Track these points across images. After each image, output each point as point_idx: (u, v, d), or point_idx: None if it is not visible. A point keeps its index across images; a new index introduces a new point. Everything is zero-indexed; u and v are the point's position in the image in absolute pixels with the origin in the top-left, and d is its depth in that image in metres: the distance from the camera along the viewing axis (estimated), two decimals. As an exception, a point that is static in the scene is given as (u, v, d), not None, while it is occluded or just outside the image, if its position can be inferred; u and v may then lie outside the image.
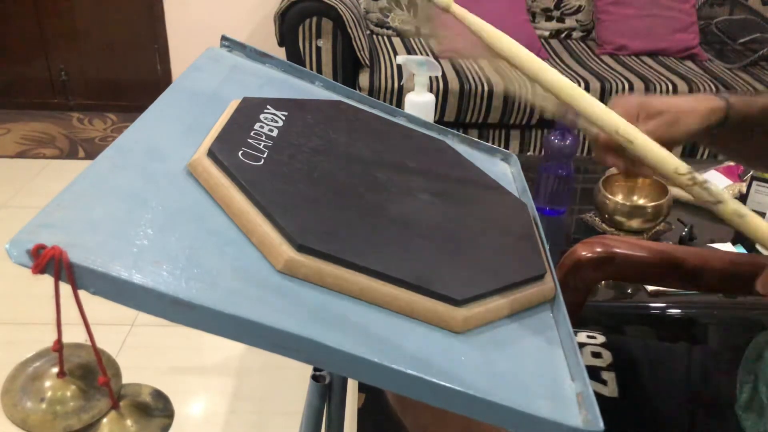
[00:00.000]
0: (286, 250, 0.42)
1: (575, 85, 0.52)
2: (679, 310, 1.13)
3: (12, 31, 2.76)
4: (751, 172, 1.37)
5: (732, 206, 0.41)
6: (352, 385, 1.09)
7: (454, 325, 0.44)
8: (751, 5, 2.67)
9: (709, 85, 2.26)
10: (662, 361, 0.75)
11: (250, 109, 0.57)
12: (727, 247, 1.26)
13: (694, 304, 1.14)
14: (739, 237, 1.31)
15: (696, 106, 0.61)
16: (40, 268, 0.35)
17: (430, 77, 1.37)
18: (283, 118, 0.58)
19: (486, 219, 0.58)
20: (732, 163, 1.55)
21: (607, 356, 0.74)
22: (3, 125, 2.73)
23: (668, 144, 0.60)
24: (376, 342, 0.40)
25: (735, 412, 0.66)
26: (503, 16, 2.43)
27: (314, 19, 2.10)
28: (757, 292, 0.44)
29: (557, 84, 0.53)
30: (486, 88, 2.15)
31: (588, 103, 0.52)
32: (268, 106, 0.58)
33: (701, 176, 0.42)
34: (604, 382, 0.71)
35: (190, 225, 0.43)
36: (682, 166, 0.41)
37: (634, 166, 0.60)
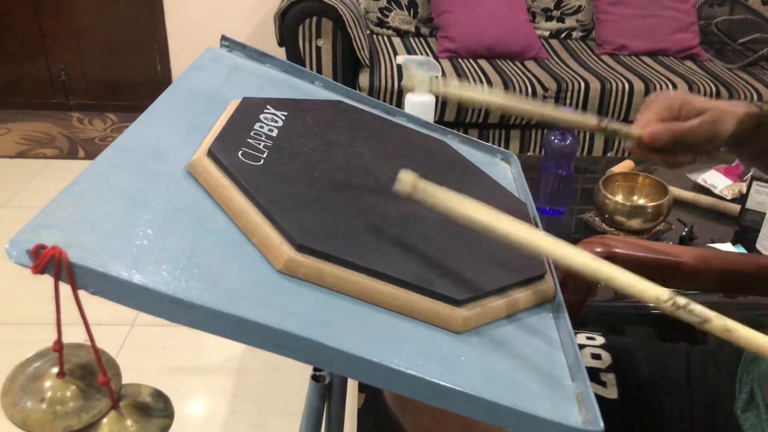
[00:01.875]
0: (286, 250, 0.42)
1: (544, 237, 0.49)
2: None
3: (12, 31, 2.76)
4: (751, 172, 1.37)
5: (719, 323, 0.41)
6: (352, 385, 1.09)
7: (454, 325, 0.44)
8: (751, 5, 2.67)
9: (709, 86, 2.26)
10: (662, 362, 0.75)
11: (250, 109, 0.57)
12: (727, 247, 1.26)
13: (694, 304, 1.13)
14: (740, 237, 1.31)
15: (733, 108, 0.62)
16: (40, 268, 0.35)
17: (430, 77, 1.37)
18: (283, 118, 0.58)
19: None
20: (732, 163, 1.55)
21: (607, 358, 0.74)
22: (3, 125, 2.73)
23: (710, 143, 0.61)
24: (376, 342, 0.40)
25: (735, 412, 0.66)
26: (503, 16, 2.43)
27: (314, 19, 2.10)
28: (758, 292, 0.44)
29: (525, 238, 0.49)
30: (486, 88, 2.15)
31: (561, 253, 0.48)
32: (268, 106, 0.58)
33: (683, 299, 0.42)
34: (603, 384, 0.71)
35: (190, 225, 0.43)
36: (663, 294, 0.42)
37: (675, 158, 0.62)
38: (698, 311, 0.41)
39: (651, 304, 0.43)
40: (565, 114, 0.63)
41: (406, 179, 0.46)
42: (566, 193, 1.35)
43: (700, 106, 0.61)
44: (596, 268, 0.44)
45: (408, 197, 0.46)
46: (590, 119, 0.62)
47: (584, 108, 2.23)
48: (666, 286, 0.43)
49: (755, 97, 2.27)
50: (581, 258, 0.44)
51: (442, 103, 2.15)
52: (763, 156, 0.69)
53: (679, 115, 0.62)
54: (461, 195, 0.47)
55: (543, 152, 1.36)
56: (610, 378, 0.72)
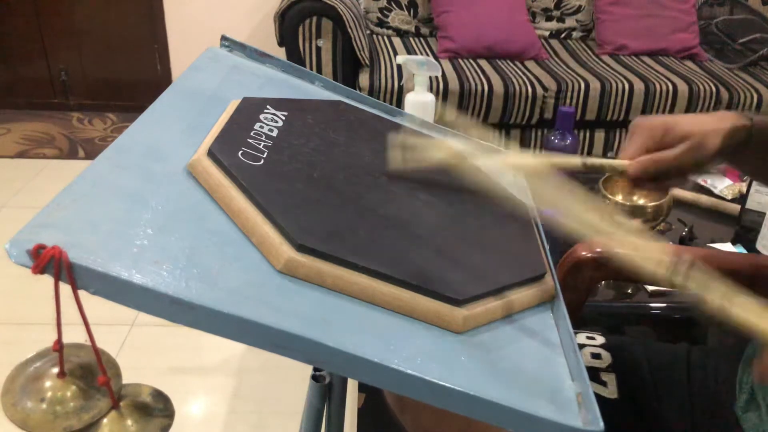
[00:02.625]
0: (286, 250, 0.42)
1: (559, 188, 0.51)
2: (679, 310, 1.13)
3: (12, 31, 2.76)
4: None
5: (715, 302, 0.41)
6: (352, 385, 1.09)
7: (455, 325, 0.44)
8: (751, 5, 2.67)
9: (709, 86, 2.26)
10: (662, 362, 0.75)
11: (250, 109, 0.57)
12: (727, 247, 1.26)
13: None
14: (740, 237, 1.31)
15: (720, 125, 0.61)
16: (40, 268, 0.35)
17: (430, 77, 1.37)
18: (283, 118, 0.58)
19: (486, 219, 0.58)
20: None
21: (607, 357, 0.74)
22: (3, 125, 2.73)
23: (696, 167, 0.61)
24: (376, 342, 0.40)
25: (735, 412, 0.66)
26: (503, 16, 2.43)
27: (314, 19, 2.10)
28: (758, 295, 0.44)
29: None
30: (486, 88, 2.15)
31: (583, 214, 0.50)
32: (268, 106, 0.58)
33: (682, 270, 0.42)
34: (603, 384, 0.71)
35: (190, 225, 0.43)
36: (660, 267, 0.42)
37: (664, 183, 0.62)
38: (695, 285, 0.41)
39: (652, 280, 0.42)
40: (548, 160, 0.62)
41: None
42: (566, 193, 1.35)
43: (682, 133, 0.60)
44: (596, 224, 0.44)
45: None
46: (573, 159, 0.62)
47: (584, 108, 2.23)
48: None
49: (755, 97, 2.27)
50: (597, 221, 0.45)
51: (441, 104, 2.15)
52: (761, 167, 0.68)
53: (662, 142, 0.61)
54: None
55: (543, 152, 1.36)
56: (610, 378, 0.72)
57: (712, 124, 0.61)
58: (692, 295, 0.41)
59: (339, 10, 2.09)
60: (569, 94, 2.21)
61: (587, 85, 2.21)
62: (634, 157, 0.61)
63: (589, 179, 1.52)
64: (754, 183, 1.30)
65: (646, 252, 0.43)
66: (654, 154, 0.60)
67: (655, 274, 0.42)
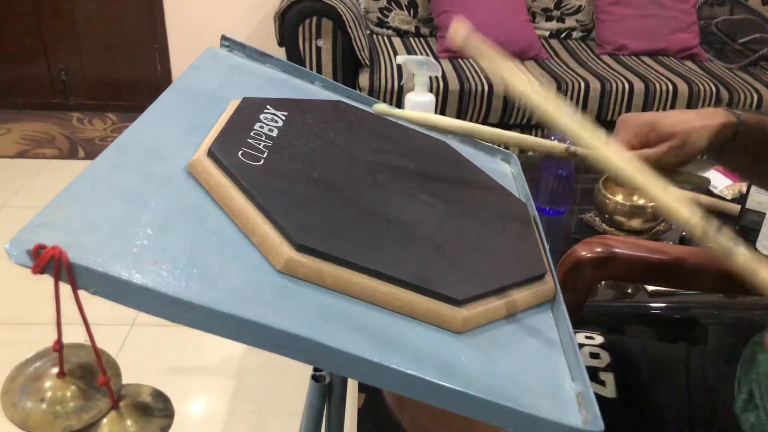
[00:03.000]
0: (286, 250, 0.42)
1: (586, 123, 0.52)
2: (679, 310, 1.13)
3: (12, 31, 2.76)
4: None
5: (743, 259, 0.41)
6: (352, 385, 1.09)
7: (455, 325, 0.44)
8: (751, 5, 2.67)
9: (709, 86, 2.26)
10: (661, 361, 0.75)
11: (250, 109, 0.57)
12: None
13: (694, 304, 1.14)
14: (739, 237, 1.31)
15: (706, 122, 0.61)
16: (40, 268, 0.35)
17: (430, 77, 1.37)
18: (283, 118, 0.58)
19: (486, 219, 0.58)
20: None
21: (606, 357, 0.74)
22: (3, 125, 2.73)
23: (680, 165, 0.61)
24: (376, 342, 0.40)
25: (733, 412, 0.66)
26: (503, 16, 2.43)
27: (314, 19, 2.10)
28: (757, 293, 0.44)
29: (566, 123, 0.53)
30: (486, 88, 2.15)
31: (599, 145, 0.51)
32: (268, 106, 0.58)
33: (714, 227, 0.42)
34: (602, 383, 0.71)
35: (190, 225, 0.43)
36: (694, 218, 0.42)
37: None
38: (727, 242, 0.40)
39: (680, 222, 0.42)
40: (534, 139, 0.62)
41: (459, 32, 0.47)
42: (566, 193, 1.35)
43: (667, 131, 0.61)
44: (632, 174, 0.44)
45: (458, 47, 0.48)
46: (558, 145, 0.62)
47: (584, 108, 2.23)
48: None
49: (755, 97, 2.27)
50: (620, 161, 0.45)
51: (442, 104, 2.15)
52: (747, 167, 0.68)
53: (647, 140, 0.61)
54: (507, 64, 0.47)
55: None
56: (608, 377, 0.72)
57: (698, 122, 0.61)
58: (721, 248, 0.41)
59: (339, 10, 2.09)
60: (569, 94, 2.21)
61: (587, 85, 2.21)
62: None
63: (590, 179, 1.52)
64: (754, 183, 1.30)
65: (677, 198, 0.43)
66: (636, 151, 0.61)
67: (689, 221, 0.41)
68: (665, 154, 0.60)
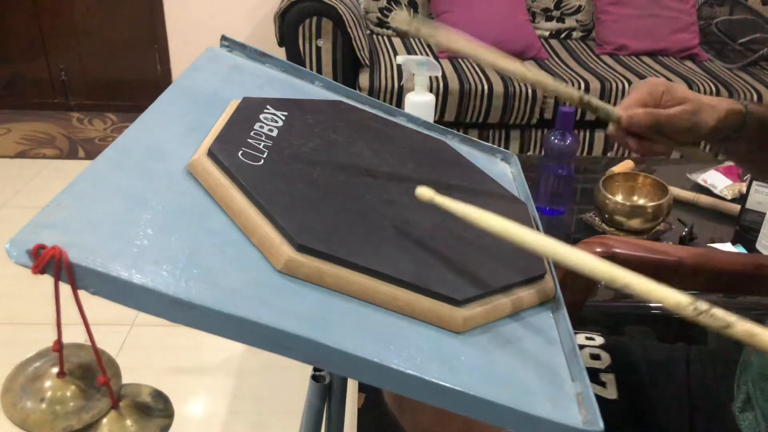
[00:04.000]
0: (286, 250, 0.42)
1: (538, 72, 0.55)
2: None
3: (12, 31, 2.76)
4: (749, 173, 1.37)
5: (742, 328, 0.41)
6: (352, 385, 1.09)
7: (454, 325, 0.44)
8: (751, 5, 2.67)
9: (709, 85, 2.26)
10: (661, 362, 0.75)
11: (250, 109, 0.57)
12: (727, 247, 1.26)
13: (694, 304, 1.13)
14: (740, 237, 1.31)
15: (717, 103, 0.62)
16: (40, 268, 0.35)
17: (430, 77, 1.37)
18: (283, 118, 0.58)
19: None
20: (732, 163, 1.55)
21: (606, 358, 0.74)
22: (3, 125, 2.73)
23: (687, 134, 0.61)
24: (376, 342, 0.40)
25: (732, 412, 0.66)
26: (503, 16, 2.43)
27: (314, 19, 2.10)
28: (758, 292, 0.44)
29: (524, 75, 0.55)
30: (486, 88, 2.15)
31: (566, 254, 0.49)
32: (268, 106, 0.58)
33: (704, 304, 0.41)
34: (602, 384, 0.71)
35: (190, 225, 0.43)
36: (683, 300, 0.42)
37: (651, 145, 0.62)
38: (720, 316, 0.40)
39: (671, 310, 0.42)
40: (549, 80, 0.62)
41: (423, 194, 0.49)
42: (566, 193, 1.35)
43: (681, 96, 0.62)
44: (614, 275, 0.44)
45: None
46: (573, 92, 0.62)
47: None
48: (666, 286, 0.43)
49: (755, 97, 2.27)
50: (600, 266, 0.44)
51: (442, 104, 2.15)
52: (748, 155, 0.69)
53: (660, 102, 0.62)
54: (475, 207, 0.48)
55: (543, 152, 1.36)
56: (609, 378, 0.72)
57: (710, 100, 0.63)
58: (718, 323, 0.41)
59: (339, 10, 2.09)
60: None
61: (587, 85, 2.21)
62: (630, 109, 0.62)
63: (590, 179, 1.52)
64: (754, 183, 1.30)
65: (662, 288, 0.43)
66: (650, 108, 0.61)
67: (679, 305, 0.41)
68: (678, 115, 0.61)
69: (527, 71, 0.60)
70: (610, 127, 0.64)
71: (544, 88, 0.62)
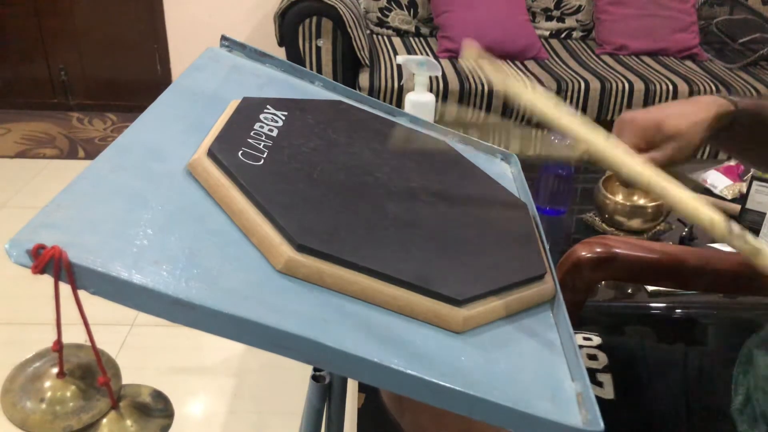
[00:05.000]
0: (286, 250, 0.42)
1: (600, 133, 0.53)
2: (679, 311, 1.13)
3: (12, 31, 2.76)
4: (751, 172, 1.37)
5: None
6: (352, 385, 1.09)
7: (455, 325, 0.44)
8: (751, 5, 2.67)
9: (709, 85, 2.26)
10: (659, 363, 0.75)
11: (250, 109, 0.57)
12: (727, 247, 1.26)
13: (694, 304, 1.13)
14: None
15: (703, 116, 0.61)
16: (39, 268, 0.35)
17: (430, 77, 1.37)
18: (283, 118, 0.58)
19: (486, 219, 0.58)
20: (732, 163, 1.55)
21: (603, 358, 0.74)
22: (3, 125, 2.73)
23: (681, 164, 0.61)
24: (376, 342, 0.40)
25: (731, 414, 0.66)
26: (503, 16, 2.43)
27: (314, 19, 2.10)
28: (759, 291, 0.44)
29: (580, 134, 0.54)
30: (486, 88, 2.15)
31: (614, 154, 0.51)
32: (268, 106, 0.58)
33: (738, 227, 0.41)
34: (600, 384, 0.71)
35: (190, 225, 0.43)
36: (717, 218, 0.41)
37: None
38: (752, 241, 0.40)
39: (704, 226, 0.42)
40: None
41: (471, 53, 0.49)
42: (566, 193, 1.35)
43: (673, 131, 0.60)
44: (653, 180, 0.44)
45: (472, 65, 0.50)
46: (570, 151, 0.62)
47: (584, 108, 2.23)
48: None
49: (755, 96, 2.27)
50: (639, 167, 0.45)
51: (442, 104, 2.15)
52: (743, 150, 0.69)
53: (654, 141, 0.61)
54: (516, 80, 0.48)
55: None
56: (606, 378, 0.72)
57: (697, 116, 0.61)
58: (748, 247, 0.40)
59: (339, 10, 2.09)
60: (569, 94, 2.21)
61: (587, 85, 2.21)
62: None
63: (590, 179, 1.52)
64: (755, 183, 1.30)
65: (697, 199, 0.43)
66: (645, 155, 0.60)
67: (712, 220, 0.41)
68: (673, 156, 0.60)
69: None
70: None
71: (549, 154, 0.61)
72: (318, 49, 2.15)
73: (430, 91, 1.35)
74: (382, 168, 0.58)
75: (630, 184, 0.52)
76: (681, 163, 0.62)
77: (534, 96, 0.54)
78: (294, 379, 1.53)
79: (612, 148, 0.51)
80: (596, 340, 0.77)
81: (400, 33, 2.58)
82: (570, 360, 0.46)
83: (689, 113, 0.61)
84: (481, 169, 0.67)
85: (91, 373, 0.42)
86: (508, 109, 2.19)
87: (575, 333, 0.78)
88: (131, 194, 0.43)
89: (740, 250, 0.41)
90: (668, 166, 0.60)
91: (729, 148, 0.69)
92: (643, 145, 0.61)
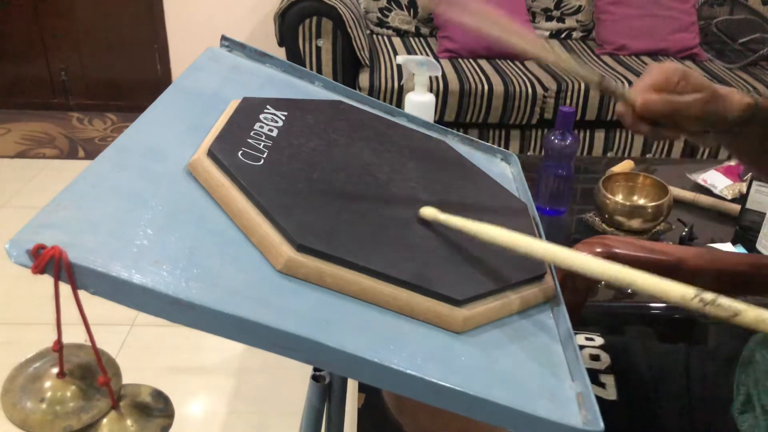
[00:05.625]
0: (286, 250, 0.42)
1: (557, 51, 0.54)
2: (679, 310, 1.13)
3: (12, 31, 2.76)
4: (751, 172, 1.37)
5: (751, 314, 0.40)
6: (352, 385, 1.09)
7: (454, 325, 0.44)
8: (751, 5, 2.67)
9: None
10: (661, 363, 0.75)
11: (250, 109, 0.57)
12: (727, 247, 1.26)
13: (694, 304, 1.13)
14: (740, 237, 1.31)
15: (729, 94, 0.61)
16: (40, 268, 0.35)
17: (430, 77, 1.37)
18: (283, 118, 0.58)
19: (486, 219, 0.58)
20: (732, 163, 1.55)
21: (606, 359, 0.74)
22: (3, 125, 2.73)
23: (701, 123, 0.60)
24: (376, 342, 0.40)
25: (732, 414, 0.66)
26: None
27: (314, 19, 2.10)
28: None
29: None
30: (486, 88, 2.15)
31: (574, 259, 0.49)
32: (268, 106, 0.58)
33: (709, 295, 0.41)
34: (602, 385, 0.71)
35: (190, 225, 0.43)
36: (688, 292, 0.41)
37: (661, 131, 0.61)
38: (726, 305, 0.40)
39: (676, 304, 0.42)
40: (567, 58, 0.61)
41: (427, 214, 0.52)
42: (566, 193, 1.35)
43: (698, 83, 0.60)
44: (617, 274, 0.44)
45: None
46: (592, 74, 0.61)
47: (584, 108, 2.23)
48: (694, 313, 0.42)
49: (755, 97, 2.27)
50: (603, 267, 0.44)
51: (442, 104, 2.15)
52: (754, 154, 0.68)
53: (676, 88, 0.60)
54: (478, 222, 0.49)
55: (543, 152, 1.36)
56: (609, 379, 0.72)
57: (724, 90, 0.61)
58: (725, 311, 0.40)
59: (339, 10, 2.09)
60: (569, 94, 2.21)
61: (587, 85, 2.21)
62: (645, 93, 0.59)
63: (590, 179, 1.52)
64: (754, 183, 1.30)
65: (666, 282, 0.43)
66: (668, 95, 0.60)
67: (684, 298, 0.41)
68: (693, 104, 0.59)
69: (548, 52, 0.58)
70: (621, 108, 0.61)
71: (564, 69, 0.61)
72: (318, 49, 2.15)
73: (430, 91, 1.35)
74: (382, 168, 0.58)
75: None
76: (697, 124, 0.60)
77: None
78: (294, 379, 1.53)
79: (573, 256, 0.49)
80: (599, 340, 0.77)
81: (400, 33, 2.58)
82: (570, 360, 0.46)
83: (716, 86, 0.61)
84: (481, 169, 0.67)
85: (91, 373, 0.42)
86: (508, 110, 2.19)
87: (577, 333, 0.78)
88: (131, 194, 0.43)
89: (719, 318, 0.41)
90: (685, 117, 0.59)
91: (738, 148, 0.68)
92: (666, 87, 0.60)
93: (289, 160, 0.52)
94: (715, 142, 0.68)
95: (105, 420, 0.42)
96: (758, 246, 1.24)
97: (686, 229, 1.30)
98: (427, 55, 2.38)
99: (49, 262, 0.34)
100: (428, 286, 0.44)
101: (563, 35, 2.70)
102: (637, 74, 2.29)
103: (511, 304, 0.49)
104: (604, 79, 0.61)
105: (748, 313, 0.39)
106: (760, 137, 0.64)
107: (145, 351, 1.59)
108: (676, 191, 1.41)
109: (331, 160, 0.55)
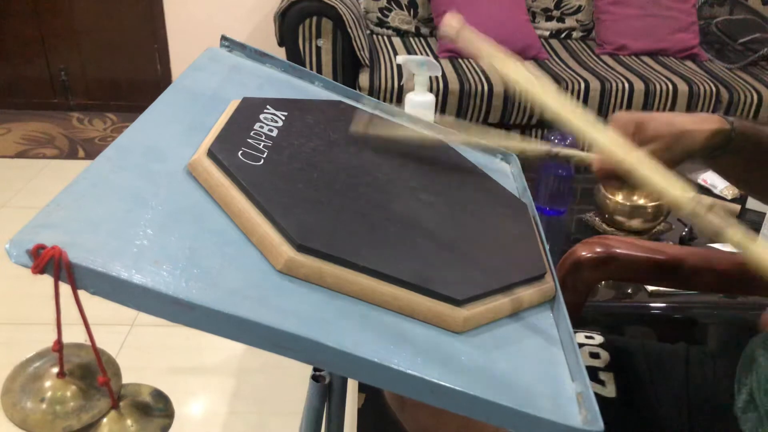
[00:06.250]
0: (286, 250, 0.42)
1: (580, 112, 0.53)
2: (679, 310, 1.13)
3: (12, 31, 2.76)
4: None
5: (740, 234, 0.40)
6: (352, 385, 1.09)
7: (455, 325, 0.44)
8: (751, 5, 2.67)
9: (709, 85, 2.26)
10: (661, 361, 0.75)
11: (250, 109, 0.57)
12: (727, 247, 1.26)
13: (694, 304, 1.13)
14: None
15: (699, 126, 0.60)
16: (39, 268, 0.35)
17: (430, 77, 1.37)
18: (283, 118, 0.58)
19: (486, 219, 0.58)
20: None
21: (605, 357, 0.74)
22: (3, 125, 2.73)
23: (672, 162, 0.60)
24: (376, 342, 0.40)
25: (733, 413, 0.66)
26: (503, 16, 2.43)
27: (314, 19, 2.10)
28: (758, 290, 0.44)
29: (561, 112, 0.54)
30: (486, 88, 2.15)
31: (592, 131, 0.52)
32: (267, 106, 0.58)
33: (708, 200, 0.41)
34: (602, 383, 0.71)
35: (190, 225, 0.43)
36: (687, 192, 0.41)
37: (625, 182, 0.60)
38: (723, 215, 0.40)
39: (672, 201, 0.42)
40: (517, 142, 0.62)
41: (451, 25, 0.49)
42: (566, 193, 1.35)
43: (652, 133, 0.59)
44: (624, 157, 0.44)
45: (451, 39, 0.49)
46: (541, 146, 0.61)
47: (584, 108, 2.23)
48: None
49: (755, 97, 2.26)
50: (611, 142, 0.45)
51: (442, 104, 2.15)
52: (743, 174, 0.67)
53: (632, 140, 0.60)
54: (502, 53, 0.49)
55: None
56: (608, 377, 0.72)
57: (692, 124, 0.60)
58: (713, 225, 0.40)
59: (339, 10, 2.09)
60: (569, 94, 2.21)
61: (587, 85, 2.21)
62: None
63: (589, 179, 1.52)
64: (754, 183, 1.30)
65: (669, 178, 0.43)
66: (621, 155, 0.59)
67: (680, 199, 0.41)
68: (651, 155, 0.59)
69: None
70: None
71: (510, 148, 0.61)
72: (318, 49, 2.15)
73: (430, 91, 1.35)
74: (382, 168, 0.58)
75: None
76: (671, 163, 0.61)
77: (517, 69, 0.55)
78: (294, 379, 1.53)
79: (594, 131, 0.51)
80: (598, 338, 0.77)
81: (400, 33, 2.58)
82: (570, 360, 0.46)
83: (680, 122, 0.60)
84: (480, 169, 0.67)
85: (91, 373, 0.42)
86: (508, 110, 2.19)
87: (577, 332, 0.78)
88: (131, 194, 0.43)
89: (708, 228, 0.41)
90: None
91: (725, 170, 0.67)
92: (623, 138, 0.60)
93: (289, 160, 0.52)
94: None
95: (105, 420, 0.42)
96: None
97: (686, 229, 1.30)
98: (427, 55, 2.38)
99: (49, 262, 0.34)
100: (428, 286, 0.44)
101: (563, 35, 2.70)
102: (637, 74, 2.29)
103: (512, 304, 0.49)
104: (553, 148, 0.61)
105: (737, 232, 0.40)
106: (745, 158, 0.63)
107: (145, 351, 1.59)
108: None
109: (331, 160, 0.55)
